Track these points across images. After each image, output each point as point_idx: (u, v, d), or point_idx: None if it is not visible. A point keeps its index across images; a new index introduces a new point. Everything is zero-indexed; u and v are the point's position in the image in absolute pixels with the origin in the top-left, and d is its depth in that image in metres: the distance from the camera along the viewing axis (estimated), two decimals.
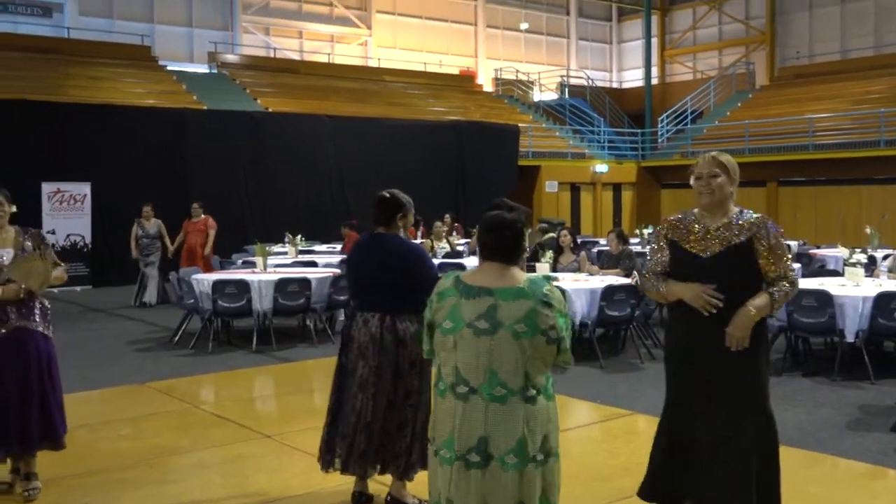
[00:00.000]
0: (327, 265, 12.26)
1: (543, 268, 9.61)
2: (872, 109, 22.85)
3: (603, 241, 16.41)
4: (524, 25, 33.80)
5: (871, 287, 8.34)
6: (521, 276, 2.99)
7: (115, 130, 17.56)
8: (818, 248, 15.88)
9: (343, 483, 4.82)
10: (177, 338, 10.30)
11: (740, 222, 3.88)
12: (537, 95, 31.30)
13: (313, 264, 12.32)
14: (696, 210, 4.01)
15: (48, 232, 16.07)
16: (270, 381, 8.61)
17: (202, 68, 25.71)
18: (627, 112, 31.54)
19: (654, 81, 32.52)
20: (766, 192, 23.78)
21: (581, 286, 8.94)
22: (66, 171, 16.65)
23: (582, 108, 30.03)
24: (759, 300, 3.80)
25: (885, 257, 11.25)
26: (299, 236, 14.32)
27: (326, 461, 4.68)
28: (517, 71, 31.58)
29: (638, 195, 27.29)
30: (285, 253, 13.84)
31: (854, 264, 8.79)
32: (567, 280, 9.36)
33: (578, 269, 10.28)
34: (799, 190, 23.84)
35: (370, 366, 4.56)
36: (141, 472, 5.41)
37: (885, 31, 28.52)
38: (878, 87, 24.98)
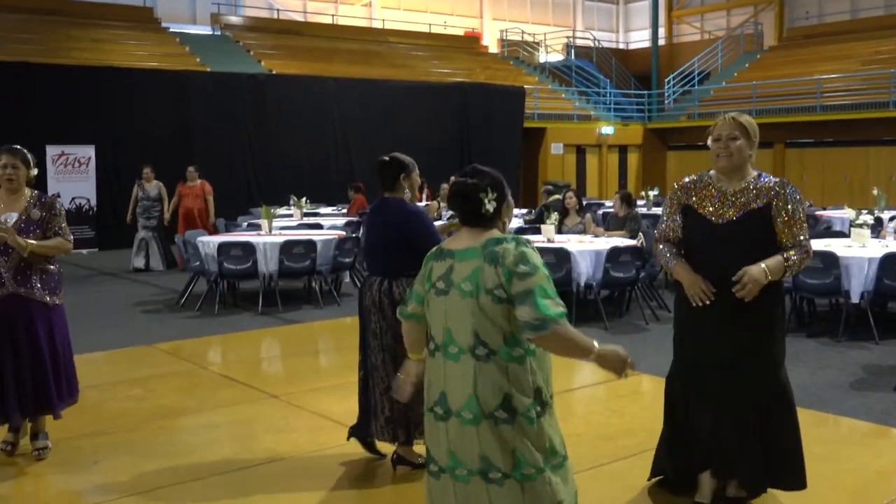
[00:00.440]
0: (332, 227, 12.26)
1: (549, 230, 9.61)
2: (882, 70, 22.62)
3: (608, 204, 16.37)
4: None
5: (878, 248, 8.32)
6: (490, 235, 2.98)
7: (118, 93, 17.52)
8: (824, 209, 15.82)
9: (351, 441, 4.86)
10: (183, 300, 10.35)
11: (759, 186, 3.76)
12: (543, 57, 31.03)
13: (318, 226, 12.33)
14: (712, 172, 3.89)
15: (53, 195, 16.07)
16: (276, 343, 8.66)
17: (205, 30, 25.51)
18: (634, 73, 31.29)
19: (661, 42, 32.20)
20: (772, 153, 23.65)
21: (586, 248, 8.94)
22: (70, 134, 16.65)
23: (588, 69, 29.80)
24: (772, 262, 3.69)
25: (892, 218, 11.23)
26: (304, 199, 14.30)
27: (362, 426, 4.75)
28: (523, 32, 31.28)
29: (644, 157, 27.16)
30: (290, 215, 13.83)
31: (860, 225, 8.76)
32: (572, 242, 9.36)
33: (584, 231, 10.27)
34: (806, 151, 23.71)
35: (372, 330, 4.60)
36: (149, 433, 5.46)
37: None
38: (889, 48, 24.68)
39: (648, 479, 4.25)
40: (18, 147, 4.98)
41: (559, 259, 8.64)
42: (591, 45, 32.18)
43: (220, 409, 5.98)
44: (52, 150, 16.21)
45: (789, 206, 3.73)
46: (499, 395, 2.89)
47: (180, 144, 17.75)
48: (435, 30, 29.94)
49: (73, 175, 16.57)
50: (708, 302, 3.76)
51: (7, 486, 4.61)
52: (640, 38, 34.83)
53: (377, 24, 29.59)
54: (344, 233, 11.14)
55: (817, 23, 29.91)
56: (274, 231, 10.86)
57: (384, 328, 4.55)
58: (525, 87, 25.07)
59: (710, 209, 3.80)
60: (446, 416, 2.96)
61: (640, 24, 35.13)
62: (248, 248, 9.84)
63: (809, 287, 8.14)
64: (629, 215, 10.37)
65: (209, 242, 10.02)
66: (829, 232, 11.37)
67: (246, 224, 12.96)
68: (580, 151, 26.04)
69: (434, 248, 3.14)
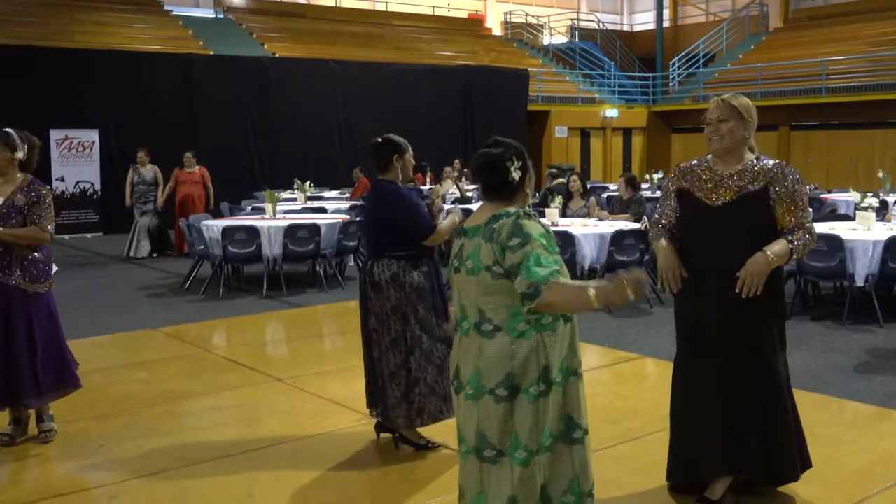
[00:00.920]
0: (336, 211, 12.25)
1: (553, 213, 9.61)
2: (889, 52, 22.47)
3: (613, 187, 16.35)
4: None
5: (883, 231, 8.30)
6: (495, 212, 2.97)
7: (121, 77, 17.52)
8: (829, 192, 15.78)
9: (355, 424, 4.88)
10: (188, 284, 10.37)
11: (755, 169, 3.70)
12: (547, 39, 30.87)
13: (322, 210, 12.33)
14: (709, 156, 3.84)
15: (57, 179, 16.11)
16: (281, 327, 8.68)
17: (208, 13, 25.42)
18: (638, 55, 31.14)
19: (666, 24, 32.02)
20: (777, 136, 23.56)
21: (590, 231, 8.94)
22: (74, 119, 16.66)
23: (592, 51, 29.65)
24: (778, 247, 3.61)
25: None
26: (308, 182, 14.29)
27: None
28: (527, 14, 31.12)
29: (648, 140, 27.08)
30: (294, 199, 13.83)
31: (865, 208, 8.74)
32: (576, 225, 9.35)
33: (588, 215, 10.26)
34: (811, 134, 23.61)
35: (362, 310, 4.68)
36: (154, 416, 5.49)
37: None
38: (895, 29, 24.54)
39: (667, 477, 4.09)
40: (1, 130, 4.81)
41: (563, 242, 8.62)
42: (596, 27, 32.01)
43: (225, 393, 6.00)
44: (55, 134, 16.21)
45: (789, 189, 3.65)
46: (502, 371, 2.89)
47: (184, 128, 17.74)
48: (438, 12, 29.79)
49: (77, 159, 16.57)
50: (675, 291, 3.75)
51: (13, 469, 4.64)
52: (644, 20, 34.62)
53: (380, 7, 29.47)
54: (348, 216, 11.13)
55: (823, 4, 29.69)
56: (278, 215, 10.87)
57: (367, 308, 4.62)
58: (529, 69, 24.98)
59: (705, 192, 3.76)
60: (458, 391, 3.03)
61: (644, 6, 34.89)
62: (253, 232, 9.85)
63: (814, 270, 8.13)
64: (633, 198, 10.35)
65: (213, 226, 10.03)
66: (833, 215, 11.35)
67: (250, 208, 12.96)
68: (584, 134, 25.96)
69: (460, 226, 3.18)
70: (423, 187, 15.16)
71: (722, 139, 3.72)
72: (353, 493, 4.28)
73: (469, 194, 14.26)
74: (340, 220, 10.60)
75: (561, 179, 11.62)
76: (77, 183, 16.57)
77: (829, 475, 4.27)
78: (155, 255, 13.28)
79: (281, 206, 11.60)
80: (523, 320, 2.89)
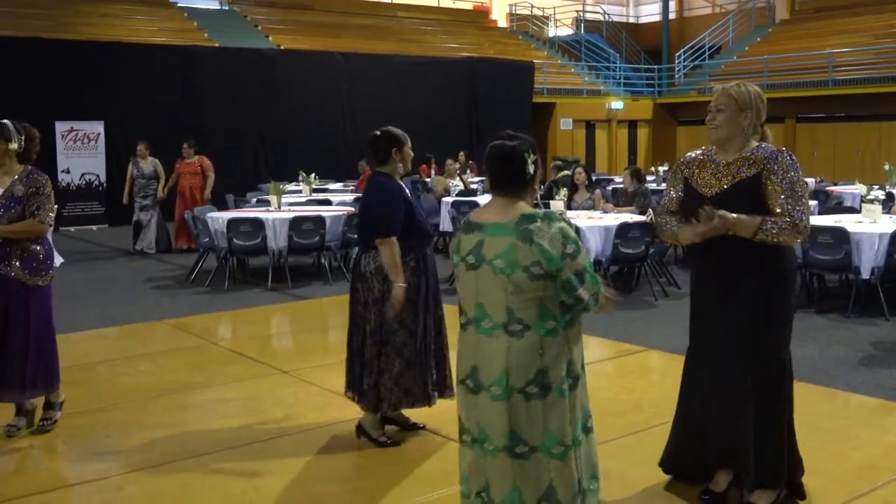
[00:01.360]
0: (341, 203, 12.25)
1: (558, 205, 9.59)
2: (895, 44, 22.38)
3: (618, 179, 16.33)
4: None
5: (889, 223, 8.28)
6: (521, 210, 2.95)
7: (127, 68, 17.51)
8: (835, 184, 15.74)
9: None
10: (193, 276, 10.39)
11: (752, 156, 3.64)
12: (552, 31, 30.80)
13: (327, 203, 12.33)
14: (714, 146, 3.83)
15: (63, 171, 16.14)
16: (286, 319, 8.69)
17: (213, 5, 25.39)
18: (644, 48, 31.04)
19: (672, 16, 31.90)
20: (783, 128, 23.50)
21: (595, 223, 8.92)
22: (79, 111, 16.67)
23: (598, 43, 29.58)
24: (748, 218, 3.51)
25: None
26: (313, 175, 14.28)
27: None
28: (532, 6, 31.02)
29: (654, 132, 27.02)
30: (299, 191, 13.83)
31: (871, 201, 8.72)
32: (581, 217, 9.34)
33: (593, 207, 10.24)
34: (817, 126, 23.54)
35: (351, 299, 4.77)
36: (160, 407, 5.51)
37: None
38: None
39: (660, 464, 4.11)
40: None
41: None
42: (601, 19, 31.91)
43: (230, 385, 6.02)
44: (61, 127, 16.23)
45: (781, 175, 3.57)
46: (532, 369, 2.91)
47: (188, 120, 17.73)
48: (444, 4, 29.72)
49: (82, 151, 16.59)
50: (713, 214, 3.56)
51: (20, 459, 4.66)
52: (650, 12, 34.48)
53: None
54: (353, 209, 11.13)
55: None
56: (283, 207, 10.87)
57: (352, 299, 4.70)
58: (534, 61, 24.92)
59: (704, 180, 3.75)
60: (477, 391, 2.99)
61: None
62: (258, 225, 9.85)
63: (820, 263, 8.11)
64: (639, 191, 10.33)
65: (219, 218, 10.04)
66: (839, 207, 11.31)
67: (255, 200, 12.96)
68: (590, 127, 25.92)
69: (463, 220, 3.13)
70: (427, 179, 15.15)
71: (718, 129, 3.72)
72: (358, 485, 4.30)
73: (473, 187, 14.25)
74: (345, 212, 10.60)
75: (566, 172, 11.61)
76: (82, 175, 16.60)
77: (833, 468, 4.27)
78: (153, 250, 13.00)
79: (286, 199, 11.60)
80: (551, 318, 2.93)
